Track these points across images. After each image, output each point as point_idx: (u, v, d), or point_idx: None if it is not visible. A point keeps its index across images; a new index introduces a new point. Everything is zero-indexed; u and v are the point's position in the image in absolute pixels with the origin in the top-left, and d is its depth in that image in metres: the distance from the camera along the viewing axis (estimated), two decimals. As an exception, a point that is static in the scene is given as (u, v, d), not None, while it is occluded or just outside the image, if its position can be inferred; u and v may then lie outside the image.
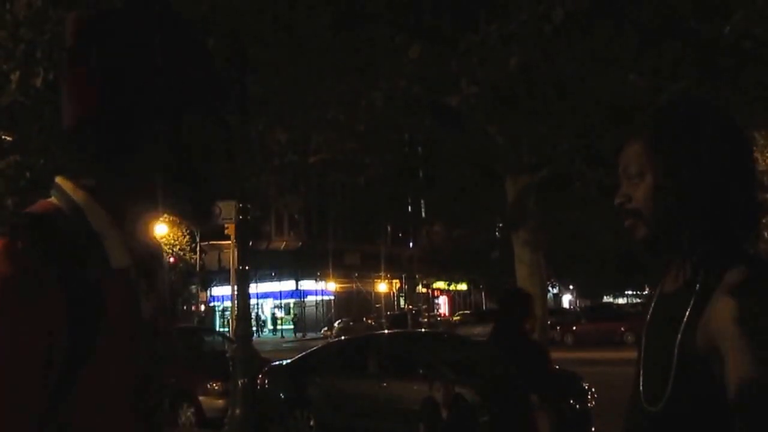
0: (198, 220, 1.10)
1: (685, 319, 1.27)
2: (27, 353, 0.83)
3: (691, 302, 1.27)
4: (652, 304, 1.43)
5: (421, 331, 20.59)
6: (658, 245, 1.37)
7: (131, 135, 0.96)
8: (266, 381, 10.61)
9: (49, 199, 0.96)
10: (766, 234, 17.06)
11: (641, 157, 1.35)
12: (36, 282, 0.84)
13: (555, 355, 8.26)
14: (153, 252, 1.06)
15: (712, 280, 1.26)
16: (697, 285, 1.29)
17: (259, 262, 32.80)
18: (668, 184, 1.32)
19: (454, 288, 53.28)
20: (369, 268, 48.28)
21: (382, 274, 47.08)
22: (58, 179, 0.98)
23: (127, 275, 0.96)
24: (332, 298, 50.13)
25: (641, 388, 1.36)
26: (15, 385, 0.82)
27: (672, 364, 1.27)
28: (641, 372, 1.38)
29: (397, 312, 45.39)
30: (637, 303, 42.88)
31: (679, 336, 1.27)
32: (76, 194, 0.95)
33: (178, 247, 35.48)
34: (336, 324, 41.21)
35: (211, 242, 38.56)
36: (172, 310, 1.16)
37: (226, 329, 30.27)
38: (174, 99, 0.98)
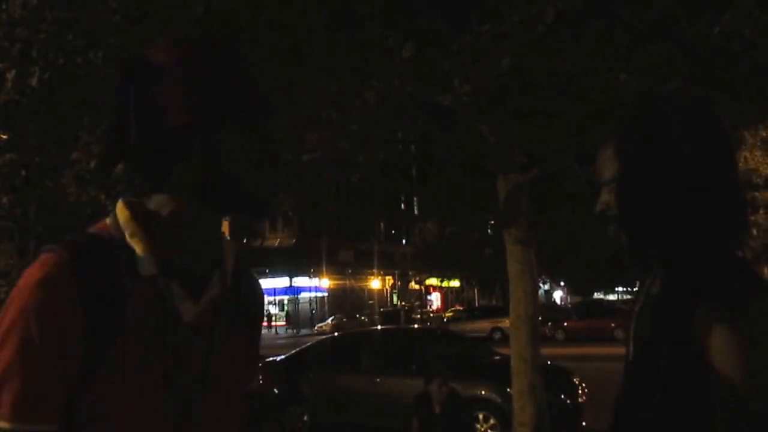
0: (252, 222, 1.20)
1: (672, 327, 1.24)
2: (43, 346, 0.96)
3: (678, 310, 1.24)
4: (638, 307, 1.40)
5: (414, 328, 20.68)
6: (640, 251, 1.33)
7: (163, 154, 1.08)
8: (260, 377, 10.66)
9: (105, 219, 1.12)
10: (754, 231, 17.24)
11: (613, 162, 1.31)
12: (55, 287, 0.98)
13: (546, 350, 8.37)
14: (209, 261, 1.15)
15: (695, 288, 1.23)
16: (681, 292, 1.25)
17: (253, 260, 32.77)
18: (635, 190, 1.28)
19: (446, 284, 53.37)
20: (362, 265, 48.35)
21: (376, 270, 47.15)
22: (119, 201, 1.13)
23: (155, 281, 1.06)
24: (326, 294, 50.16)
25: (630, 392, 1.33)
26: (36, 366, 0.96)
27: (660, 371, 1.24)
28: (629, 377, 1.35)
29: (390, 308, 45.45)
30: (627, 299, 43.10)
31: (667, 344, 1.24)
32: (122, 213, 1.10)
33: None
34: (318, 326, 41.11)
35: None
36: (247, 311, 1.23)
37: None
38: (206, 116, 1.07)
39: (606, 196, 1.34)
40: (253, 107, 1.12)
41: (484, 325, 30.60)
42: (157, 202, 1.10)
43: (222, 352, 1.14)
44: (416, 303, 47.94)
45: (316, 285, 48.94)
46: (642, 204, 1.28)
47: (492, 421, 8.94)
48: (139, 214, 1.10)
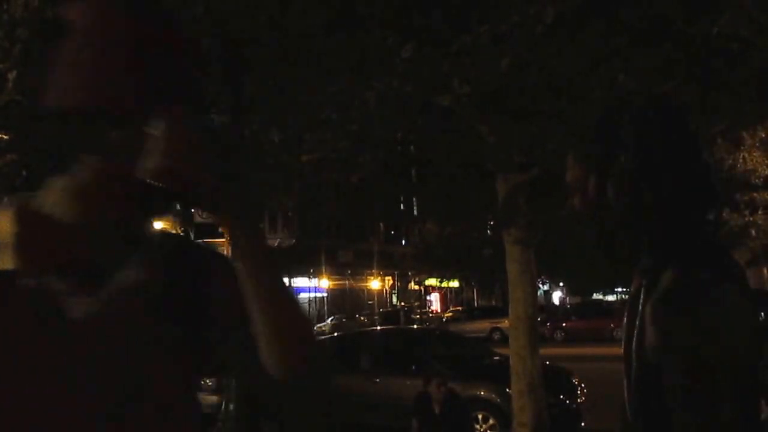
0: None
1: (636, 325, 1.27)
2: None
3: (639, 307, 1.27)
4: (627, 305, 1.43)
5: (413, 328, 20.70)
6: (611, 245, 1.37)
7: (69, 135, 0.95)
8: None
9: None
10: (753, 232, 17.24)
11: (573, 167, 1.38)
12: None
13: (545, 351, 8.37)
14: (119, 248, 1.02)
15: (652, 283, 1.25)
16: (642, 289, 1.28)
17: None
18: (610, 184, 1.31)
19: (446, 285, 53.36)
20: (362, 265, 48.32)
21: (375, 271, 47.16)
22: (5, 199, 1.03)
23: (24, 276, 0.95)
24: (325, 295, 50.18)
25: (625, 395, 1.34)
26: None
27: (633, 372, 1.27)
28: (625, 374, 1.36)
29: (389, 309, 45.48)
30: (626, 300, 43.07)
31: (634, 344, 1.26)
32: (2, 218, 0.97)
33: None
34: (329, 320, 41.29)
35: (205, 240, 38.54)
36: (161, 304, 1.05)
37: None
38: (123, 98, 0.94)
39: (574, 200, 1.40)
40: (187, 95, 0.98)
41: (483, 326, 30.60)
42: (53, 190, 0.99)
43: (146, 350, 1.01)
44: (416, 303, 47.95)
45: (316, 285, 48.93)
46: (614, 203, 1.32)
47: (491, 422, 8.94)
48: (24, 214, 0.97)
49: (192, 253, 1.12)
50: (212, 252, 1.14)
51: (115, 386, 0.97)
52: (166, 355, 1.02)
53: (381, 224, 50.93)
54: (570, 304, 45.45)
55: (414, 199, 31.13)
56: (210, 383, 10.65)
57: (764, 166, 16.58)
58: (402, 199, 35.14)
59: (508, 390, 7.87)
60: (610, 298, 53.55)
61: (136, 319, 1.01)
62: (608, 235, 1.36)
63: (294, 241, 49.07)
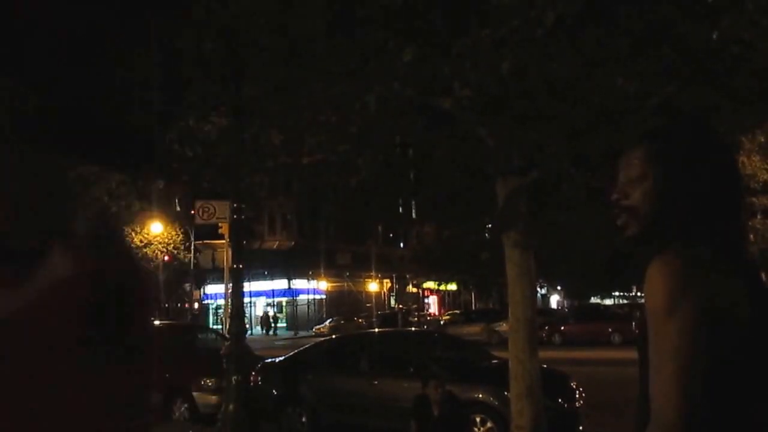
0: None
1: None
2: None
3: None
4: None
5: (411, 330, 20.72)
6: (647, 240, 1.55)
7: None
8: (259, 378, 10.69)
9: None
10: (751, 236, 17.27)
11: (644, 162, 1.54)
12: None
13: (543, 354, 8.37)
14: (42, 227, 0.81)
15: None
16: None
17: (252, 261, 32.82)
18: (666, 189, 1.51)
19: (444, 288, 53.36)
20: (360, 267, 48.37)
21: (373, 273, 47.19)
22: None
23: None
24: (324, 297, 50.20)
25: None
26: None
27: (641, 344, 1.45)
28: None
29: (387, 311, 45.49)
30: (623, 304, 43.14)
31: (640, 315, 1.50)
32: None
33: (172, 245, 35.74)
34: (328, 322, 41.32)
35: (205, 241, 38.54)
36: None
37: (220, 327, 30.48)
38: None
39: (625, 188, 1.56)
40: None
41: (480, 329, 30.62)
42: None
43: (69, 356, 0.79)
44: (413, 306, 47.98)
45: (314, 287, 48.97)
46: (666, 204, 1.52)
47: (489, 424, 8.94)
48: None
49: (120, 258, 0.92)
50: (141, 269, 0.96)
51: (25, 391, 0.77)
52: (86, 364, 0.82)
53: (379, 227, 50.94)
54: (568, 307, 45.46)
55: (412, 201, 31.16)
56: (210, 383, 10.66)
57: (763, 171, 16.62)
58: (400, 201, 35.16)
59: (506, 393, 7.87)
60: (608, 301, 53.62)
61: (61, 322, 0.79)
62: (657, 225, 1.53)
63: (293, 243, 49.09)
